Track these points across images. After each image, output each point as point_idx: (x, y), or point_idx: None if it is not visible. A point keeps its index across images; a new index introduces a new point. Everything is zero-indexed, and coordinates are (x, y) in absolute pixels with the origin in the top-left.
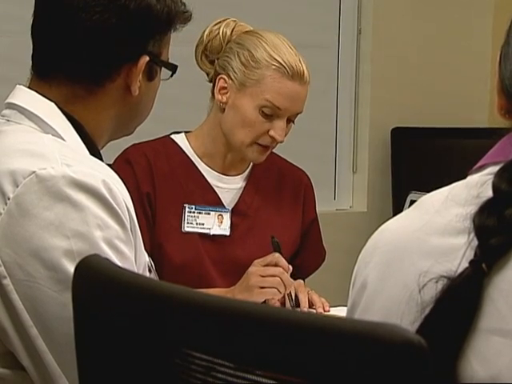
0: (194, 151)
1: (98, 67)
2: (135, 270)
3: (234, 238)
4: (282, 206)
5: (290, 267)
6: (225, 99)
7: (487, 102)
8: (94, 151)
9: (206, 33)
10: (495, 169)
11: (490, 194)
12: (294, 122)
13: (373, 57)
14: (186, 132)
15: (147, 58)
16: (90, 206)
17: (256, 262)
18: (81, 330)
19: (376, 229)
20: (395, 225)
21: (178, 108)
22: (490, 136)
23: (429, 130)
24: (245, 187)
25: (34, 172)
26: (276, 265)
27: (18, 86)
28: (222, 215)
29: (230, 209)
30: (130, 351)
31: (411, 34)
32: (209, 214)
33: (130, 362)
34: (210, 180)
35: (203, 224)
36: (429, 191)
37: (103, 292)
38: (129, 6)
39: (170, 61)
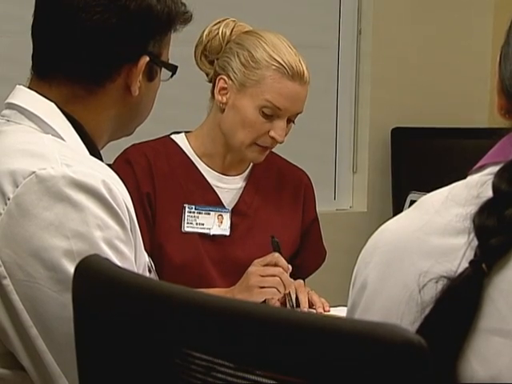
0: (194, 151)
1: (98, 67)
2: (135, 270)
3: (234, 238)
4: (282, 206)
5: (290, 267)
6: (225, 100)
7: (487, 102)
8: (94, 151)
9: (205, 33)
10: (495, 169)
11: (490, 194)
12: (294, 122)
13: (373, 57)
14: (186, 132)
15: (147, 59)
16: (89, 206)
17: (256, 261)
18: (81, 330)
19: (376, 229)
20: (395, 225)
21: (177, 108)
22: (490, 136)
23: (429, 130)
24: (245, 187)
25: (33, 172)
26: (276, 265)
27: (17, 86)
28: (221, 215)
29: (230, 209)
30: (129, 351)
31: (411, 35)
32: (209, 214)
33: (130, 362)
34: (209, 180)
35: (203, 224)
36: (429, 191)
37: (103, 292)
38: (129, 6)
39: (170, 61)
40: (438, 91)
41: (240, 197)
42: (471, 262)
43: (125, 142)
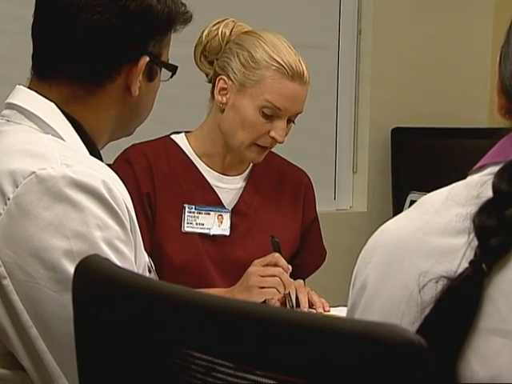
0: (194, 151)
1: (98, 67)
2: (135, 271)
3: (234, 238)
4: (282, 206)
5: (290, 267)
6: (225, 100)
7: (487, 102)
8: (94, 151)
9: (204, 33)
10: (495, 169)
11: (490, 194)
12: (294, 122)
13: (373, 57)
14: (186, 132)
15: (147, 59)
16: (89, 206)
17: (256, 261)
18: (81, 330)
19: (376, 229)
20: (395, 225)
21: (178, 108)
22: (490, 136)
23: (429, 130)
24: (245, 187)
25: (33, 172)
26: (276, 265)
27: (17, 86)
28: (221, 215)
29: (230, 209)
30: (130, 351)
31: (411, 35)
32: (209, 214)
33: (130, 362)
34: (209, 180)
35: (203, 224)
36: (429, 191)
37: (103, 292)
38: (129, 6)
39: (170, 61)
40: (438, 91)
41: (240, 197)
42: (471, 262)
43: (125, 142)
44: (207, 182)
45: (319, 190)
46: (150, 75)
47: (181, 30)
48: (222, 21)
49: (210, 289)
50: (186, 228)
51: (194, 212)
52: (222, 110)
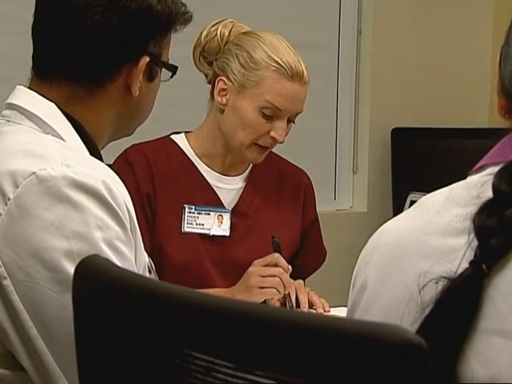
0: (194, 152)
1: (98, 67)
2: (135, 271)
3: (234, 238)
4: (282, 206)
5: (290, 267)
6: (224, 101)
7: (487, 102)
8: (94, 152)
9: (203, 34)
10: (495, 169)
11: (490, 194)
12: (294, 122)
13: (373, 57)
14: (185, 132)
15: (148, 59)
16: (90, 206)
17: (256, 262)
18: (81, 330)
19: (376, 229)
20: (395, 225)
21: (178, 108)
22: (490, 136)
23: (429, 130)
24: (245, 187)
25: (34, 173)
26: (276, 265)
27: (18, 86)
28: (221, 215)
29: (230, 209)
30: (130, 351)
31: (411, 35)
32: (209, 214)
33: (130, 363)
34: (209, 180)
35: (203, 224)
36: (429, 191)
37: (103, 292)
38: (130, 6)
39: (170, 61)
40: (438, 91)
41: (240, 197)
42: (471, 263)
43: (125, 142)
44: (207, 182)
45: (319, 191)
46: (151, 75)
47: (181, 30)
48: (221, 21)
49: (209, 289)
50: (186, 228)
51: (193, 212)
52: (222, 111)
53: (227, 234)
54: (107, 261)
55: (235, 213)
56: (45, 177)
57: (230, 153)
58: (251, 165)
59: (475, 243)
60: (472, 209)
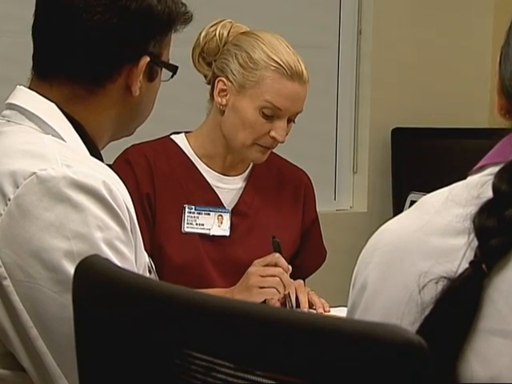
0: (194, 152)
1: (98, 67)
2: (135, 271)
3: (234, 238)
4: (282, 206)
5: (290, 267)
6: (224, 101)
7: (487, 102)
8: (95, 152)
9: (202, 35)
10: (495, 169)
11: (490, 194)
12: (294, 122)
13: (373, 57)
14: (185, 132)
15: (148, 59)
16: (90, 207)
17: (256, 262)
18: (81, 330)
19: (376, 229)
20: (395, 225)
21: (178, 108)
22: (490, 136)
23: (429, 130)
24: (245, 187)
25: (34, 173)
26: (276, 265)
27: (18, 86)
28: (221, 216)
29: (230, 209)
30: (130, 351)
31: (411, 35)
32: (209, 214)
33: (130, 363)
34: (209, 180)
35: (203, 224)
36: (429, 192)
37: (103, 292)
38: (130, 6)
39: (170, 61)
40: (438, 91)
41: (240, 197)
42: (471, 263)
43: (125, 142)
44: (207, 182)
45: (319, 191)
46: (151, 75)
47: (181, 30)
48: (220, 22)
49: (209, 289)
50: (186, 228)
51: (193, 212)
52: (222, 112)
53: (227, 234)
54: (107, 261)
55: (235, 213)
56: (45, 177)
57: (231, 153)
58: (251, 165)
59: (475, 243)
60: (472, 209)
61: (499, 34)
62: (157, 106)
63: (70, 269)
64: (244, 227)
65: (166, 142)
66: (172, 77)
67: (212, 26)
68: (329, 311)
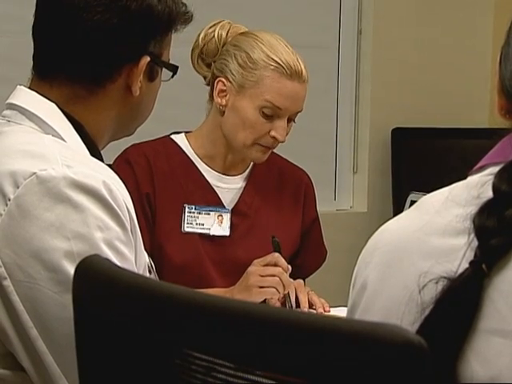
0: (194, 151)
1: (98, 67)
2: (135, 271)
3: (234, 238)
4: (283, 206)
5: (290, 267)
6: (224, 102)
7: (487, 102)
8: (95, 152)
9: (201, 36)
10: (495, 169)
11: (490, 194)
12: (294, 121)
13: (373, 57)
14: (186, 132)
15: (148, 59)
16: (90, 207)
17: (255, 261)
18: (81, 330)
19: (376, 229)
20: (395, 225)
21: (178, 108)
22: (491, 136)
23: (429, 130)
24: (245, 187)
25: (34, 173)
26: (275, 265)
27: (18, 86)
28: (221, 215)
29: (230, 209)
30: (130, 351)
31: (411, 35)
32: (209, 214)
33: (130, 363)
34: (209, 180)
35: (203, 224)
36: (429, 192)
37: (103, 292)
38: (130, 6)
39: (170, 61)
40: (439, 91)
41: (240, 197)
42: (471, 263)
43: (125, 142)
44: (207, 181)
45: (319, 191)
46: (151, 75)
47: (181, 30)
48: (218, 23)
49: (209, 289)
50: (186, 228)
51: (193, 212)
52: (222, 113)
53: (227, 233)
54: (107, 261)
55: (235, 212)
56: (45, 177)
57: (231, 152)
58: (251, 164)
59: (475, 243)
60: (472, 209)
61: (499, 33)
62: (157, 105)
63: (70, 269)
64: (244, 227)
65: (166, 142)
66: (172, 77)
67: (211, 27)
68: (329, 311)
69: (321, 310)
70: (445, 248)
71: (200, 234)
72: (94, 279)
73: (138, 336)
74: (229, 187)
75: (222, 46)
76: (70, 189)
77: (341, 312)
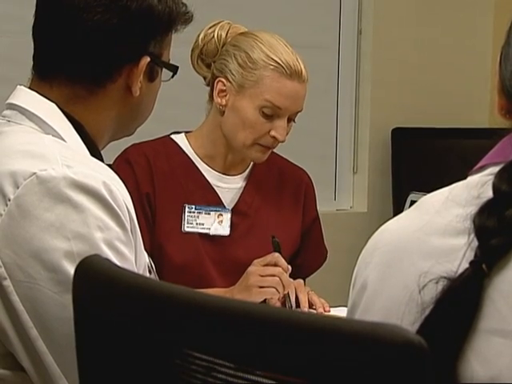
0: (194, 151)
1: (98, 67)
2: (135, 271)
3: (234, 237)
4: (283, 206)
5: (289, 267)
6: (224, 102)
7: (488, 102)
8: (95, 152)
9: (200, 37)
10: (496, 169)
11: (490, 194)
12: (294, 121)
13: (373, 57)
14: (186, 132)
15: (148, 59)
16: (90, 207)
17: (255, 261)
18: (81, 330)
19: (376, 229)
20: (395, 225)
21: (178, 108)
22: (491, 136)
23: (429, 130)
24: (245, 187)
25: (34, 173)
26: (275, 265)
27: (18, 86)
28: (222, 215)
29: (230, 208)
30: (130, 351)
31: (411, 35)
32: (209, 213)
33: (130, 363)
34: (210, 180)
35: (203, 224)
36: (429, 192)
37: (103, 292)
38: (130, 6)
39: (170, 61)
40: (439, 91)
41: (240, 196)
42: (471, 263)
43: (125, 142)
44: (207, 181)
45: (319, 191)
46: (151, 75)
47: (181, 30)
48: (218, 23)
49: (209, 289)
50: (186, 228)
51: (194, 212)
52: (222, 113)
53: (227, 233)
54: (107, 261)
55: (235, 212)
56: (45, 177)
57: (232, 152)
58: (251, 164)
59: (475, 243)
60: (472, 209)
61: (499, 33)
62: (157, 105)
63: (70, 269)
64: (244, 227)
65: (166, 142)
66: (172, 77)
67: (210, 28)
68: (329, 311)
69: (321, 310)
70: (445, 248)
71: (200, 234)
72: (94, 279)
73: (138, 336)
74: (229, 187)
75: (222, 47)
76: (70, 189)
77: (341, 312)
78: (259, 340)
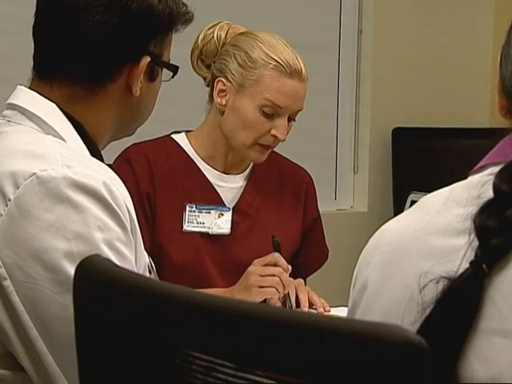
0: (195, 151)
1: (99, 67)
2: (135, 271)
3: (235, 237)
4: (283, 205)
5: (290, 267)
6: (224, 102)
7: (488, 102)
8: (95, 152)
9: (200, 37)
10: (496, 169)
11: (490, 194)
12: (294, 120)
13: (373, 57)
14: (186, 131)
15: (148, 59)
16: (90, 207)
17: (256, 261)
18: (81, 330)
19: (377, 229)
20: (396, 225)
21: (178, 108)
22: (491, 136)
23: (430, 130)
24: (246, 186)
25: (34, 173)
26: (275, 264)
27: (18, 86)
28: (222, 214)
29: (231, 208)
30: (130, 352)
31: (412, 34)
32: (209, 213)
33: (130, 363)
34: (210, 179)
35: (204, 223)
36: (429, 191)
37: (103, 292)
38: (130, 6)
39: (170, 61)
40: (439, 91)
41: (241, 196)
42: (472, 263)
43: (125, 142)
44: (208, 180)
45: (320, 190)
46: (151, 75)
47: (182, 30)
48: (217, 24)
49: (209, 289)
50: (187, 227)
51: (194, 211)
52: (222, 112)
53: (228, 232)
54: (107, 261)
55: (236, 211)
56: (45, 178)
57: (232, 152)
58: (252, 163)
59: (476, 243)
60: (473, 209)
61: (500, 33)
62: (157, 105)
63: (71, 269)
64: (245, 226)
65: (167, 141)
66: (173, 77)
67: (210, 28)
68: (329, 311)
69: (321, 310)
70: (445, 248)
71: (201, 233)
72: (95, 279)
73: (138, 336)
74: (229, 186)
75: (222, 47)
76: (70, 189)
77: (341, 312)
78: (259, 340)
